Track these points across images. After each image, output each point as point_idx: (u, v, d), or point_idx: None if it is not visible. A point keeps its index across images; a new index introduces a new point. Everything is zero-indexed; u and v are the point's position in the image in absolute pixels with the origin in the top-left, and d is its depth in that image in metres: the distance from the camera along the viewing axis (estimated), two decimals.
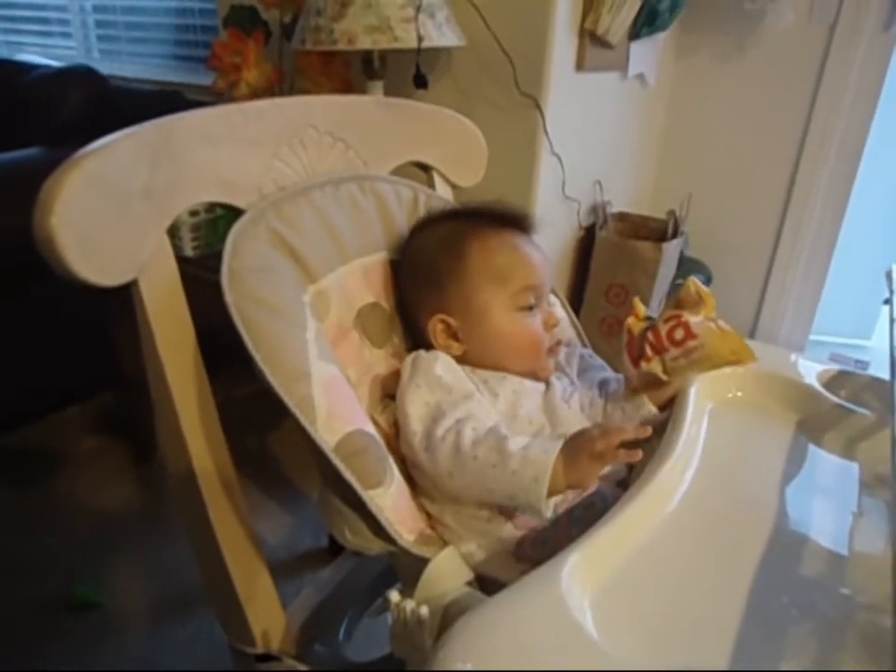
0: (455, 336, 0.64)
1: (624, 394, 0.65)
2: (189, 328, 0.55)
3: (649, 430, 0.52)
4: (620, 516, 0.47)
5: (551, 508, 0.53)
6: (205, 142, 0.56)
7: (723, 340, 0.61)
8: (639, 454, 0.50)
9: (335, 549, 1.23)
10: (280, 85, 1.35)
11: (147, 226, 0.52)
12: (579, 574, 0.43)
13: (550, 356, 0.66)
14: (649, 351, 0.61)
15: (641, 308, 0.65)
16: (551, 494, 0.51)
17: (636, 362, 0.63)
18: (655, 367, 0.61)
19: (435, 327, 0.64)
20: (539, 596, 0.42)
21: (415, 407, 0.57)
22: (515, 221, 0.68)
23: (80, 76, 1.45)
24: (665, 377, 0.61)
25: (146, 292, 0.52)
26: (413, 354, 0.63)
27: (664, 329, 0.61)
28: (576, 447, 0.51)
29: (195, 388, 0.55)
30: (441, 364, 0.61)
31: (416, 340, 0.68)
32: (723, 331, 0.61)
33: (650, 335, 0.62)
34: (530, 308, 0.64)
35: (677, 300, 0.64)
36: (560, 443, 0.52)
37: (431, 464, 0.54)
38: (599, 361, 0.72)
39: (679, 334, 0.60)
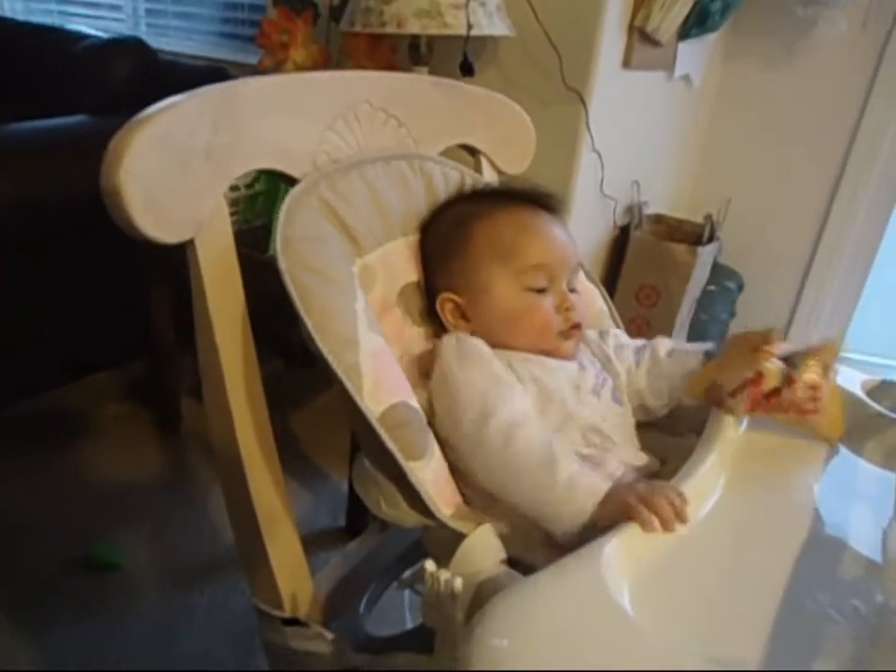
0: (463, 315, 0.64)
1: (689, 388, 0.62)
2: (239, 290, 0.56)
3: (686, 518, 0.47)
4: None
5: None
6: (266, 109, 0.56)
7: (829, 412, 0.56)
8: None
9: (352, 529, 1.24)
10: (325, 66, 1.36)
11: (206, 186, 0.52)
12: (619, 557, 0.43)
13: (564, 338, 0.63)
14: (773, 404, 0.55)
15: (778, 345, 0.56)
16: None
17: (734, 394, 0.56)
18: (739, 407, 0.57)
19: (443, 305, 0.64)
20: (578, 575, 0.42)
21: (466, 391, 0.56)
22: (536, 199, 0.66)
23: (130, 47, 1.47)
24: (738, 415, 0.57)
25: (201, 252, 0.52)
26: (454, 335, 0.62)
27: (800, 393, 0.54)
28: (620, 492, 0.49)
29: (242, 351, 0.55)
30: (480, 345, 0.60)
31: (435, 320, 0.66)
32: (834, 400, 0.56)
33: (785, 391, 0.55)
34: (541, 289, 0.62)
35: (817, 355, 0.56)
36: (608, 486, 0.50)
37: (477, 447, 0.53)
38: (630, 340, 0.72)
39: (810, 406, 0.55)
